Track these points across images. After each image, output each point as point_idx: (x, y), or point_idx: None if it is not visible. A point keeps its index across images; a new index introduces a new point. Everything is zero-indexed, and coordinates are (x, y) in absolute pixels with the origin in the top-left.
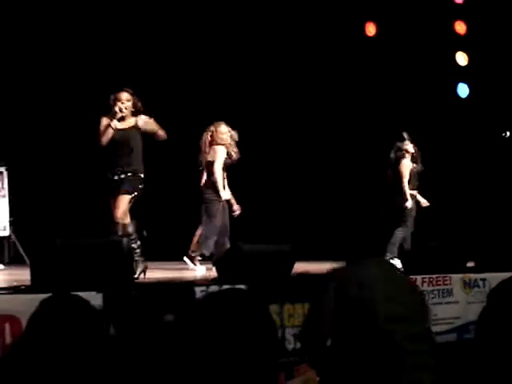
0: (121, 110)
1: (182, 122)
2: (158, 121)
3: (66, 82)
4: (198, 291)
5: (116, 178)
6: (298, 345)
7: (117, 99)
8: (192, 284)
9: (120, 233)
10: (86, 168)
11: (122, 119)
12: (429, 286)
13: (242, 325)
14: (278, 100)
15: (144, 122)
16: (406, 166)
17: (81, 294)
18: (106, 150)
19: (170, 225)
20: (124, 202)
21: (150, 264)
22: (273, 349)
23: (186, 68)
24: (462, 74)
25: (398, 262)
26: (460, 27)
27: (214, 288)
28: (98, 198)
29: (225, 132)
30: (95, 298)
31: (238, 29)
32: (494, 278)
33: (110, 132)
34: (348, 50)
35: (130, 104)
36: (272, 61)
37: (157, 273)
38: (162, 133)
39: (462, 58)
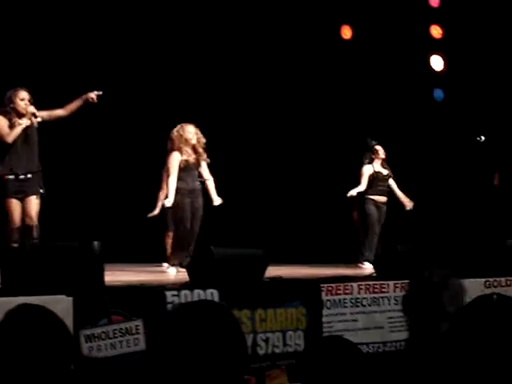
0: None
1: (155, 122)
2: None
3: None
4: (169, 295)
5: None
6: (270, 350)
7: (20, 97)
8: (163, 288)
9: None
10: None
11: (22, 116)
12: (401, 291)
13: (211, 336)
14: (252, 103)
15: (47, 114)
16: (363, 171)
17: (51, 297)
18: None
19: (138, 227)
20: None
21: (119, 266)
22: (241, 358)
23: (165, 72)
24: (438, 79)
25: (369, 267)
26: (436, 31)
27: (185, 292)
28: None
29: (191, 132)
30: (65, 302)
31: (215, 31)
32: (468, 283)
33: (20, 129)
34: (324, 52)
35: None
36: (248, 64)
37: (128, 276)
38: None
39: (437, 62)
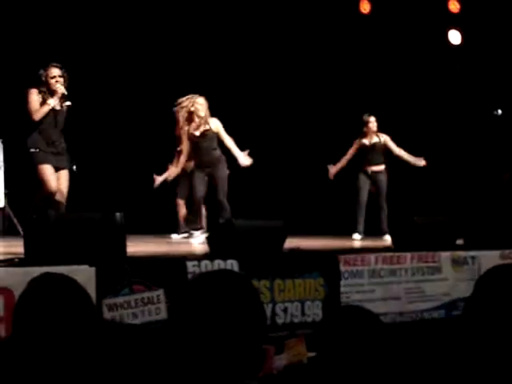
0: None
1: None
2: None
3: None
4: (190, 266)
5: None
6: (288, 319)
7: (50, 75)
8: (184, 258)
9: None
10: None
11: (53, 94)
12: (418, 262)
13: (231, 305)
14: (272, 78)
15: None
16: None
17: (74, 267)
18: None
19: (160, 198)
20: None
21: (141, 237)
22: (260, 327)
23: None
24: (455, 54)
25: (387, 238)
26: (454, 6)
27: (205, 263)
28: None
29: (202, 104)
30: (88, 272)
31: (225, 11)
32: (484, 255)
33: (46, 109)
34: (343, 27)
35: (62, 80)
36: (266, 39)
37: (148, 247)
38: None
39: (455, 36)
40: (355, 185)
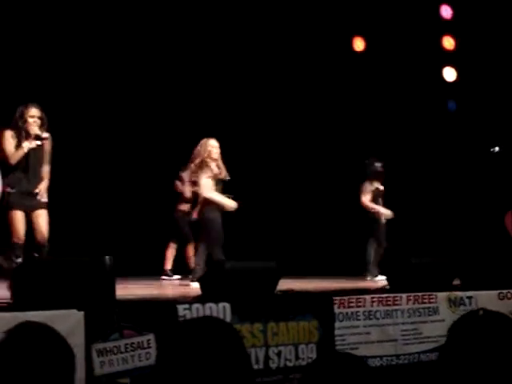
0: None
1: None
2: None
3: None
4: (181, 309)
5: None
6: (282, 363)
7: (29, 115)
8: (175, 302)
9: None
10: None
11: (29, 136)
12: (414, 303)
13: (214, 353)
14: (265, 114)
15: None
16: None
17: (62, 311)
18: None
19: (144, 241)
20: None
21: (131, 280)
22: (245, 374)
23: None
24: (451, 90)
25: (382, 278)
26: (448, 42)
27: (196, 306)
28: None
29: (215, 146)
30: (77, 316)
31: (225, 44)
32: (481, 296)
33: (21, 153)
34: (336, 64)
35: (39, 121)
36: (259, 77)
37: (139, 289)
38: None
39: (450, 73)
40: (349, 225)
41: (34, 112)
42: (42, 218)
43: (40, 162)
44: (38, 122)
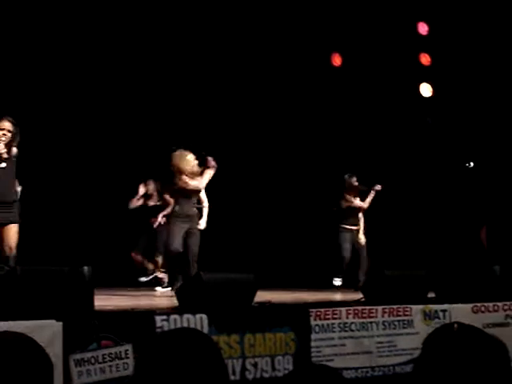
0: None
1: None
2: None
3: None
4: (159, 320)
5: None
6: (259, 374)
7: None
8: (153, 313)
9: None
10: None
11: None
12: (389, 316)
13: (190, 365)
14: (242, 129)
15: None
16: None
17: (41, 322)
18: None
19: (123, 252)
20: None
21: (109, 291)
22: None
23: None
24: (427, 105)
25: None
26: (425, 59)
27: (174, 317)
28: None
29: (191, 159)
30: (55, 327)
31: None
32: (455, 309)
33: None
34: (314, 79)
35: (9, 135)
36: (240, 91)
37: (118, 300)
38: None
39: (426, 89)
40: (325, 238)
41: (6, 125)
42: (12, 232)
43: (9, 178)
44: (8, 135)
